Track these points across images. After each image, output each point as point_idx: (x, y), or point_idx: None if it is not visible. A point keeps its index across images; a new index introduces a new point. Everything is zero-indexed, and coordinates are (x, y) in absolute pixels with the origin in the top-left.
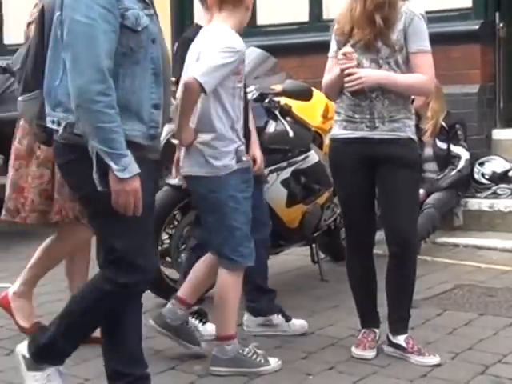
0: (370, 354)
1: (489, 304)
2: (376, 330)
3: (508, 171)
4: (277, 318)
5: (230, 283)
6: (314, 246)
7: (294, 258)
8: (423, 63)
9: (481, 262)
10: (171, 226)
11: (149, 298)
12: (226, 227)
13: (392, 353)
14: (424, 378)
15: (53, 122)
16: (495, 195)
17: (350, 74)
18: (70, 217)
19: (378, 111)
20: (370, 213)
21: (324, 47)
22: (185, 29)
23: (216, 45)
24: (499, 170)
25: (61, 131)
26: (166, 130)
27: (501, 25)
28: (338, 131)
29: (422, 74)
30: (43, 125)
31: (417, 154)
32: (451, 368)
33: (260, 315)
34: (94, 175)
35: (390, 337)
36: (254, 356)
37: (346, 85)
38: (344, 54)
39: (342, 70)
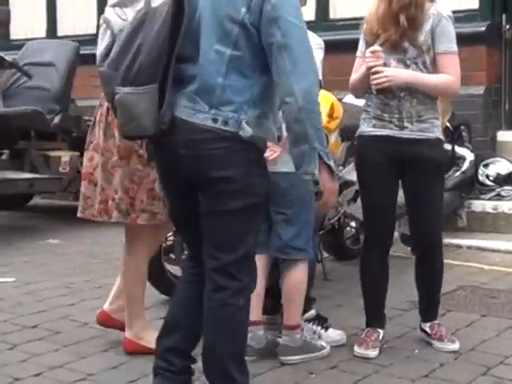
0: (373, 352)
1: (491, 305)
2: (380, 330)
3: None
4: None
5: (301, 275)
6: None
7: None
8: (450, 64)
9: (484, 263)
10: None
11: (152, 295)
12: (302, 220)
13: (421, 338)
14: (426, 377)
15: (214, 120)
16: (499, 197)
17: (376, 72)
18: (147, 212)
19: (407, 110)
20: (391, 212)
21: (331, 46)
22: None
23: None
24: (504, 171)
25: (230, 130)
26: None
27: (507, 27)
28: (366, 128)
29: (449, 75)
30: (164, 119)
31: (444, 155)
32: (453, 368)
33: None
34: (315, 177)
35: (421, 323)
36: (313, 341)
37: (372, 82)
38: (372, 52)
39: (369, 68)
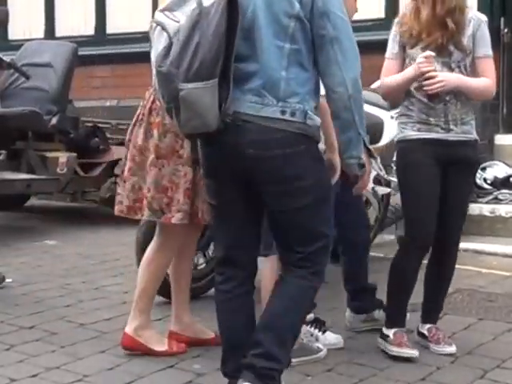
0: (416, 351)
1: (489, 309)
2: (404, 329)
3: (510, 177)
4: (378, 314)
5: None
6: None
7: None
8: (488, 68)
9: (481, 266)
10: None
11: None
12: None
13: (418, 341)
14: (423, 381)
15: (283, 111)
16: (497, 200)
17: (430, 78)
18: (206, 220)
19: (452, 114)
20: (435, 214)
21: None
22: None
23: None
24: (501, 175)
25: (298, 120)
26: None
27: (505, 30)
28: (410, 132)
29: (487, 78)
30: (228, 113)
31: (478, 155)
32: (450, 372)
33: (364, 312)
34: (360, 161)
35: (419, 325)
36: (310, 344)
37: (426, 88)
38: (425, 58)
39: (422, 74)
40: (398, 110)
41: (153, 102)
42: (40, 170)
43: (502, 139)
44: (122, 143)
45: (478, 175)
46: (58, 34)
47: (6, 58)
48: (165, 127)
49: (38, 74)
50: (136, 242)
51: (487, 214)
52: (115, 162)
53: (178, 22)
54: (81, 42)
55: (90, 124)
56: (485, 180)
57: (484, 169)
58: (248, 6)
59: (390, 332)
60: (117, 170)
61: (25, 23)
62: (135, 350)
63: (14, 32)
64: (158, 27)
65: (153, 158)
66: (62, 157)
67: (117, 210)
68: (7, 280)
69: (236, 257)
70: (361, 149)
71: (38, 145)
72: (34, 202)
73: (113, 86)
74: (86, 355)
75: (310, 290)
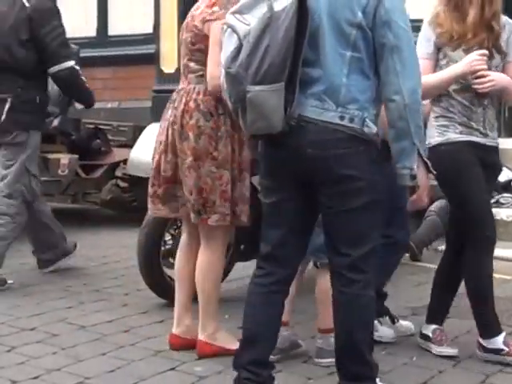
0: (456, 349)
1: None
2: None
3: (511, 181)
4: (383, 320)
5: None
6: None
7: None
8: None
9: None
10: (174, 227)
11: (150, 298)
12: None
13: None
14: None
15: (341, 117)
16: (498, 204)
17: (481, 76)
18: (243, 220)
19: (488, 119)
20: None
21: None
22: None
23: None
24: (503, 179)
25: (355, 126)
26: None
27: None
28: (454, 135)
29: None
30: (293, 116)
31: None
32: (452, 376)
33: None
34: (412, 172)
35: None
36: None
37: (477, 86)
38: (480, 55)
39: (475, 72)
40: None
41: (185, 103)
42: (41, 171)
43: (504, 143)
44: (123, 145)
45: None
46: None
47: None
48: (199, 129)
49: None
50: (138, 244)
51: None
52: (116, 164)
53: (248, 24)
54: (82, 43)
55: (91, 126)
56: None
57: None
58: (314, 12)
59: (429, 330)
60: (118, 172)
61: None
62: (213, 355)
63: None
64: (229, 29)
65: (191, 160)
66: (64, 158)
67: (154, 209)
68: (8, 281)
69: (280, 254)
70: (414, 159)
71: (39, 146)
72: None
73: (114, 88)
74: (87, 357)
75: (369, 302)
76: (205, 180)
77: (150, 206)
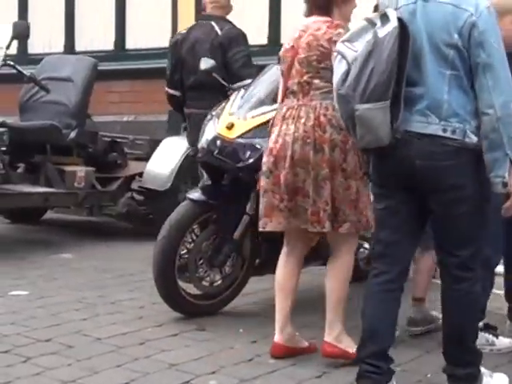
0: None
1: (504, 331)
2: None
3: None
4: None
5: (430, 262)
6: None
7: (310, 276)
8: None
9: (496, 288)
10: (190, 241)
11: (165, 312)
12: None
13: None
14: None
15: (444, 130)
16: None
17: None
18: (369, 227)
19: None
20: None
21: None
22: None
23: None
24: None
25: (457, 138)
26: (186, 145)
27: None
28: None
29: None
30: (399, 130)
31: None
32: None
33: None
34: (504, 179)
35: None
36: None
37: None
38: None
39: None
40: None
41: (315, 118)
42: (58, 183)
43: None
44: (139, 158)
45: None
46: (77, 48)
47: (26, 72)
48: (333, 142)
49: (57, 88)
50: (153, 257)
51: None
52: (132, 177)
53: (355, 51)
54: (100, 56)
55: (108, 139)
56: None
57: None
58: (415, 35)
59: None
60: (134, 185)
61: (45, 37)
62: (336, 357)
63: (34, 46)
64: (339, 56)
65: (326, 172)
66: (80, 171)
67: (284, 222)
68: (24, 292)
69: (393, 253)
70: (506, 168)
71: (56, 158)
72: (50, 215)
73: (131, 102)
74: (102, 369)
75: (477, 298)
76: (337, 190)
77: (274, 220)
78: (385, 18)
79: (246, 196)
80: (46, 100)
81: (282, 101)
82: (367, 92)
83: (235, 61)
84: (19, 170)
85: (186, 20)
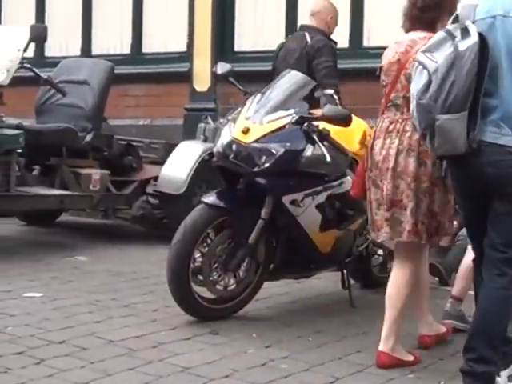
0: None
1: None
2: None
3: None
4: None
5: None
6: (345, 271)
7: (324, 282)
8: None
9: None
10: (204, 245)
11: (179, 315)
12: None
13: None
14: None
15: None
16: None
17: None
18: (448, 235)
19: None
20: None
21: (363, 74)
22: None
23: None
24: None
25: None
26: (202, 149)
27: None
28: None
29: None
30: (475, 140)
31: None
32: None
33: None
34: None
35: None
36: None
37: None
38: None
39: None
40: None
41: None
42: (73, 186)
43: None
44: (154, 162)
45: None
46: (94, 51)
47: (43, 75)
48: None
49: (74, 91)
50: (168, 260)
51: None
52: (147, 181)
53: (436, 62)
54: (116, 60)
55: (123, 142)
56: None
57: None
58: (494, 49)
59: None
60: (148, 189)
61: (62, 40)
62: (391, 366)
63: (51, 49)
64: (420, 66)
65: (427, 185)
66: (96, 174)
67: (383, 232)
68: (38, 294)
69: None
70: None
71: (71, 161)
72: (65, 217)
73: (147, 105)
74: (115, 372)
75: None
76: (439, 204)
77: (378, 230)
78: (465, 31)
79: (261, 200)
80: (63, 103)
81: (383, 113)
82: (447, 103)
83: (319, 70)
84: (35, 173)
85: (203, 24)
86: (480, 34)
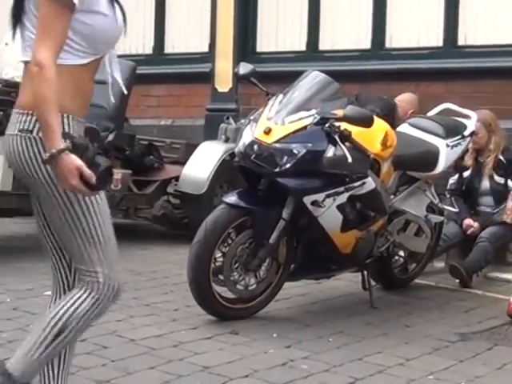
0: None
1: None
2: None
3: None
4: None
5: None
6: (365, 272)
7: (344, 283)
8: None
9: None
10: (225, 245)
11: (199, 315)
12: None
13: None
14: None
15: None
16: None
17: None
18: None
19: None
20: None
21: (384, 75)
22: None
23: None
24: None
25: None
26: (223, 149)
27: None
28: None
29: None
30: None
31: None
32: None
33: None
34: None
35: None
36: None
37: None
38: None
39: None
40: (454, 139)
41: None
42: None
43: None
44: (175, 162)
45: None
46: (116, 52)
47: None
48: None
49: (96, 90)
50: (188, 260)
51: None
52: (168, 181)
53: None
54: (139, 60)
55: (145, 142)
56: None
57: None
58: None
59: None
60: (170, 189)
61: None
62: None
63: None
64: None
65: None
66: (117, 173)
67: None
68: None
69: None
70: None
71: None
72: None
73: (168, 106)
74: (136, 370)
75: None
76: None
77: None
78: None
79: (282, 201)
80: None
81: None
82: None
83: None
84: None
85: (225, 25)
86: None
